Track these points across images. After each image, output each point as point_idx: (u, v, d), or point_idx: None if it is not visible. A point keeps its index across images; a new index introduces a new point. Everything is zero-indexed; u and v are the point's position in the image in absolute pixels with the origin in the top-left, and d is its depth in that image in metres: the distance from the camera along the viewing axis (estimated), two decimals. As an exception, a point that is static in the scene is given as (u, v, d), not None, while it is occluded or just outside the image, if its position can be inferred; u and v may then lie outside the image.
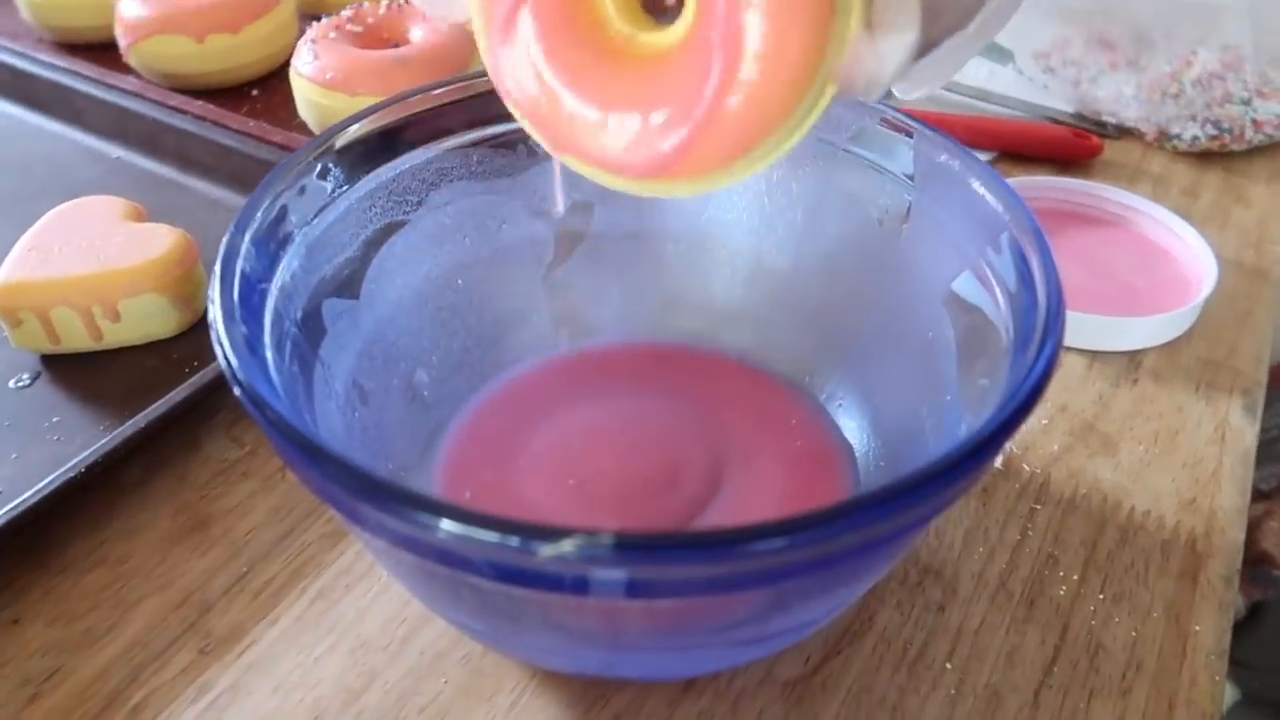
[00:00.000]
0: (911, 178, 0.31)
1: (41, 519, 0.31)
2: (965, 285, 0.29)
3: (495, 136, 0.34)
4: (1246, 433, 0.36)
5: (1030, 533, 0.32)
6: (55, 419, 0.35)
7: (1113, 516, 0.33)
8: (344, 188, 0.30)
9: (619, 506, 0.31)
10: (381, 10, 0.51)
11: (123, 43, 0.54)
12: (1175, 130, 0.51)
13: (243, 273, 0.25)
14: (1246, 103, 0.51)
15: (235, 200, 0.46)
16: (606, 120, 0.21)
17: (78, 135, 0.51)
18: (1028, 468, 0.35)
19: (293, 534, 0.32)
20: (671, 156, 0.21)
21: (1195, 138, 0.51)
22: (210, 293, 0.24)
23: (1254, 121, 0.51)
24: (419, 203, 0.33)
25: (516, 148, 0.34)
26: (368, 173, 0.31)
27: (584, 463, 0.33)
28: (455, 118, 0.33)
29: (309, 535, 0.32)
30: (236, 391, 0.22)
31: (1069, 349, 0.40)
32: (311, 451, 0.20)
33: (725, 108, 0.20)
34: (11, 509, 0.30)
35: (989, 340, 0.27)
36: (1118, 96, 0.53)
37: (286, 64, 0.56)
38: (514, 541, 0.19)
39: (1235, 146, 0.51)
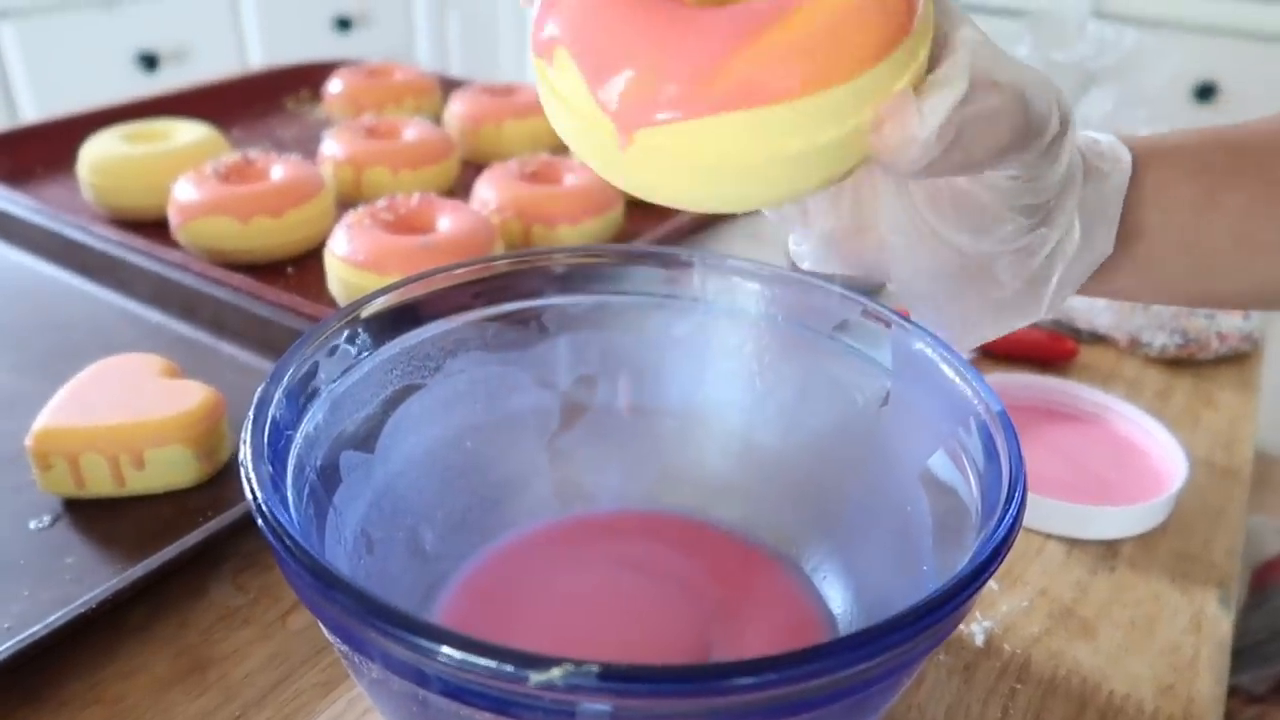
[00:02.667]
0: (890, 365, 0.34)
1: (42, 657, 0.32)
2: (939, 464, 0.31)
3: (509, 313, 0.37)
4: (1222, 623, 0.37)
5: (1011, 711, 0.33)
6: (69, 560, 0.36)
7: (1092, 699, 0.34)
8: (369, 351, 0.33)
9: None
10: (413, 202, 0.56)
11: (174, 221, 0.59)
12: (1145, 338, 0.55)
13: (273, 419, 0.28)
14: (1210, 317, 0.54)
15: (265, 365, 0.49)
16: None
17: (122, 301, 0.55)
18: (1009, 647, 0.36)
19: (287, 680, 0.33)
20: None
21: (1164, 346, 0.54)
22: (243, 433, 0.26)
23: (1219, 334, 0.54)
24: (436, 368, 0.36)
25: (528, 324, 0.38)
26: (391, 339, 0.34)
27: (576, 629, 0.34)
28: (473, 295, 0.36)
29: (303, 683, 0.33)
30: (259, 521, 0.23)
31: (1048, 536, 0.41)
32: (324, 577, 0.22)
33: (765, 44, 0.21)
34: (13, 645, 0.31)
35: (962, 517, 0.29)
36: (1090, 305, 0.57)
37: (322, 245, 0.61)
38: (508, 668, 0.20)
39: (1202, 355, 0.54)
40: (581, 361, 0.39)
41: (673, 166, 0.22)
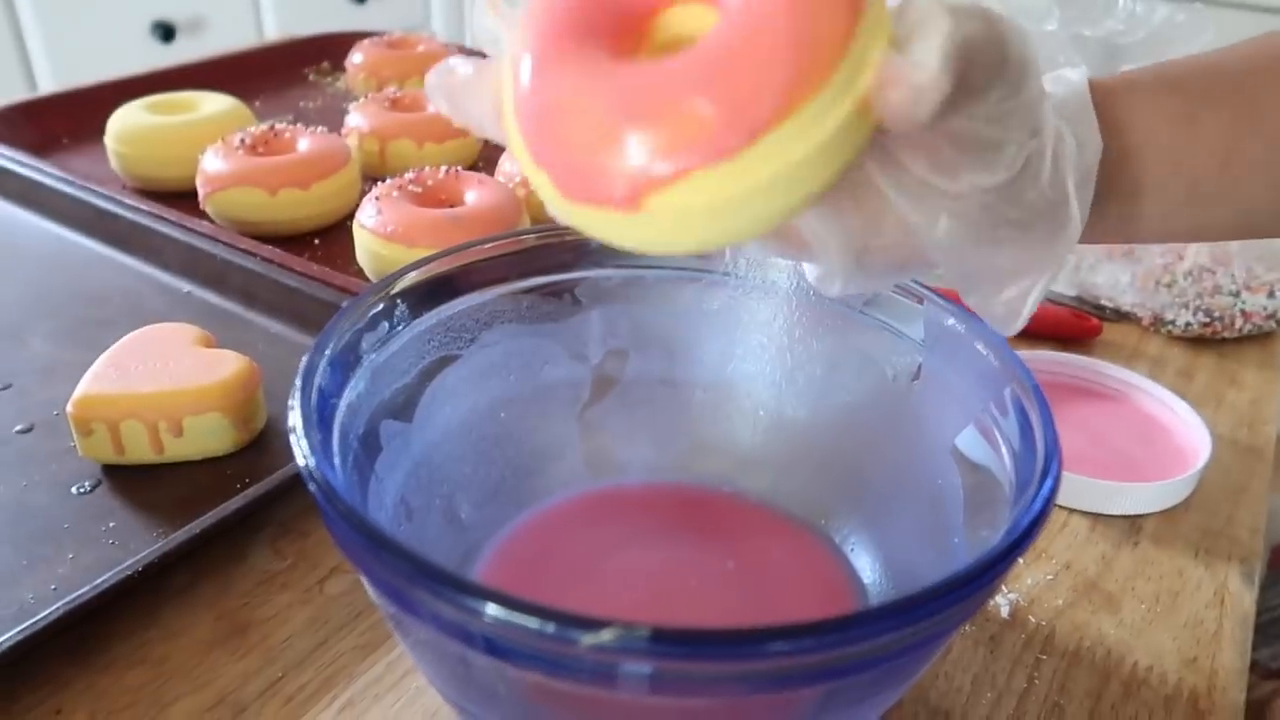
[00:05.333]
0: (922, 340, 0.34)
1: (88, 618, 0.32)
2: (972, 439, 0.32)
3: (544, 285, 0.37)
4: (1245, 598, 0.38)
5: (1037, 681, 0.34)
6: (111, 524, 0.37)
7: (1116, 670, 0.34)
8: (406, 323, 0.34)
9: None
10: (440, 175, 0.56)
11: (202, 192, 0.59)
12: (1169, 316, 0.55)
13: (319, 387, 0.28)
14: (1235, 295, 0.55)
15: (295, 336, 0.49)
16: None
17: (152, 271, 0.55)
18: (1034, 619, 0.36)
19: (327, 644, 0.33)
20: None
21: (1188, 324, 0.54)
22: (291, 400, 0.27)
23: (1243, 312, 0.54)
24: (471, 340, 0.36)
25: (562, 296, 0.38)
26: (429, 310, 0.34)
27: (609, 595, 0.35)
28: (510, 267, 0.37)
29: (342, 646, 0.33)
30: (311, 486, 0.24)
31: (1072, 511, 0.42)
32: (375, 538, 0.22)
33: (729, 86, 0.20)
34: (63, 605, 0.32)
35: (993, 492, 0.30)
36: (1114, 283, 0.57)
37: (348, 217, 0.61)
38: (559, 629, 0.21)
39: (1226, 334, 0.54)
40: (613, 334, 0.39)
41: (685, 219, 0.21)
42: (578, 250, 0.38)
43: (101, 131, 0.67)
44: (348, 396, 0.30)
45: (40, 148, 0.71)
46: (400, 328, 0.33)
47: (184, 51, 1.58)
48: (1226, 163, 0.30)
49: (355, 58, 0.82)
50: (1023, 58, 0.25)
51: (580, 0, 0.22)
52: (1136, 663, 0.34)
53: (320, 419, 0.27)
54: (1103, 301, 0.57)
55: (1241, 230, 0.33)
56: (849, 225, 0.27)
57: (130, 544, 0.36)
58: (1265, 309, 0.55)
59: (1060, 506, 0.42)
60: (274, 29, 1.70)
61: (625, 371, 0.39)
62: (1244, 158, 0.30)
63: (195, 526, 0.35)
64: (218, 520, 0.35)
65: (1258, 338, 0.55)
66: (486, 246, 0.36)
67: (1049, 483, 0.25)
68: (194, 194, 0.61)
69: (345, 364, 0.31)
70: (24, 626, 0.30)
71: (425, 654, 0.27)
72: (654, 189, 0.21)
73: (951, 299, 0.33)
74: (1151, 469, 0.43)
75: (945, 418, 0.33)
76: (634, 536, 0.37)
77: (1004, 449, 0.30)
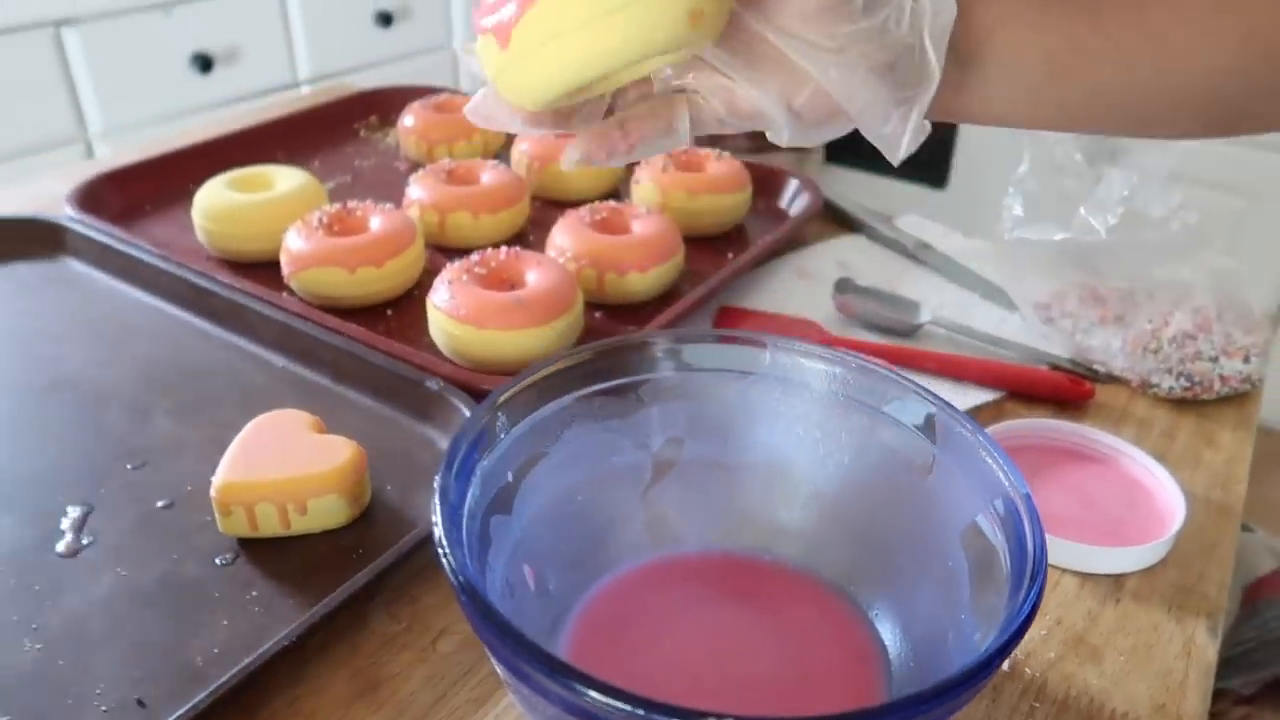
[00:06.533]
0: (935, 440, 0.41)
1: (252, 678, 0.40)
2: (976, 529, 0.38)
3: (611, 388, 0.44)
4: (1209, 650, 0.44)
5: (1031, 726, 0.40)
6: (254, 593, 0.44)
7: (1098, 716, 0.41)
8: (507, 430, 0.41)
9: (703, 691, 0.40)
10: (502, 256, 0.63)
11: (286, 270, 0.66)
12: (1155, 380, 0.61)
13: (451, 503, 0.35)
14: (1214, 360, 0.61)
15: (383, 409, 0.56)
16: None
17: (248, 345, 0.62)
18: (1029, 671, 0.43)
19: (444, 698, 0.40)
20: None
21: (1171, 387, 0.61)
22: (434, 517, 0.34)
23: (1221, 376, 0.61)
24: (555, 438, 0.43)
25: (627, 396, 0.45)
26: (524, 418, 0.41)
27: (677, 654, 0.41)
28: (585, 376, 0.43)
29: (458, 700, 0.40)
30: (462, 596, 0.31)
31: (1065, 570, 0.48)
32: (516, 640, 0.29)
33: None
34: (238, 672, 0.39)
35: (995, 576, 0.36)
36: (1106, 348, 0.63)
37: (414, 287, 0.68)
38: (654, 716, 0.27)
39: (1205, 396, 0.61)
40: (671, 426, 0.46)
41: (541, 53, 0.31)
42: (641, 358, 0.45)
43: (180, 197, 0.74)
44: (468, 503, 0.37)
45: (126, 214, 0.78)
46: (502, 435, 0.40)
47: (222, 81, 1.65)
48: (1075, 46, 0.37)
49: (406, 120, 0.89)
50: None
51: None
52: (1114, 709, 0.41)
53: (455, 530, 0.34)
54: (1096, 366, 0.63)
55: (1096, 118, 0.40)
56: (773, 88, 0.36)
57: (272, 609, 0.43)
58: (1241, 373, 0.61)
59: (1054, 566, 0.49)
60: (305, 55, 1.77)
61: (681, 456, 0.46)
62: (1089, 44, 0.37)
63: (333, 600, 0.42)
64: (351, 591, 0.42)
65: (1235, 398, 0.62)
66: (566, 359, 0.43)
67: (1034, 592, 0.32)
68: (274, 263, 0.69)
69: (465, 475, 0.37)
70: (212, 689, 0.37)
71: (535, 713, 0.34)
72: (511, 27, 0.31)
73: (968, 415, 0.40)
74: (1134, 531, 0.50)
75: (954, 508, 0.40)
76: (691, 600, 0.44)
77: (1002, 543, 0.36)
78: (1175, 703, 0.42)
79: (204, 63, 1.61)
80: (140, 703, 0.39)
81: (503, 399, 0.41)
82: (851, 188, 2.04)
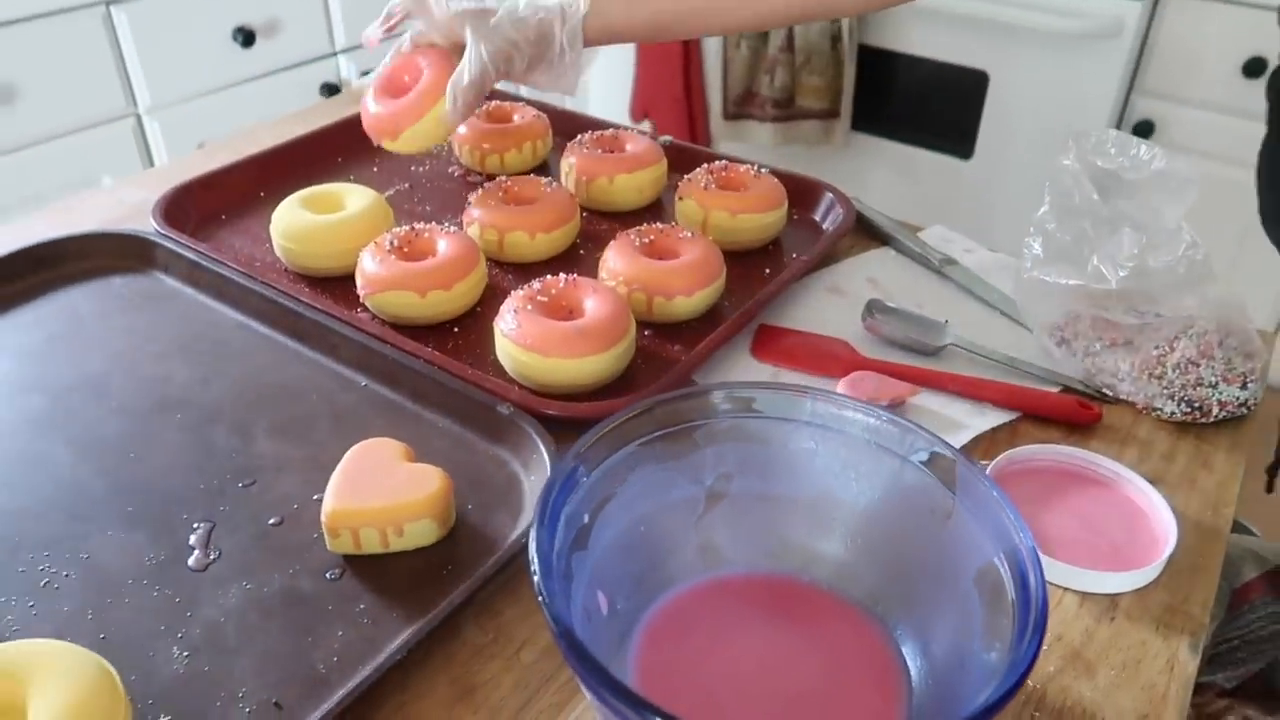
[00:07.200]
0: (954, 491, 0.47)
1: (371, 686, 0.47)
2: (988, 573, 0.45)
3: (670, 433, 0.51)
4: (1189, 665, 0.51)
5: (1030, 734, 0.47)
6: (361, 606, 0.51)
7: (1089, 725, 0.48)
8: (586, 477, 0.47)
9: (748, 698, 0.47)
10: (561, 284, 0.69)
11: (362, 291, 0.72)
12: (1158, 404, 0.67)
13: (544, 553, 0.42)
14: (1214, 386, 0.67)
15: (454, 429, 0.63)
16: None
17: (331, 364, 0.69)
18: (1031, 683, 0.50)
19: (530, 702, 0.48)
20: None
21: (1173, 413, 0.66)
22: (532, 567, 0.40)
23: (1219, 402, 0.66)
24: (623, 480, 0.49)
25: (684, 440, 0.51)
26: (597, 466, 0.48)
27: (730, 666, 0.48)
28: (650, 424, 0.50)
29: (542, 704, 0.48)
30: (562, 641, 0.38)
31: (1065, 590, 0.55)
32: (600, 676, 0.36)
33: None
34: (362, 682, 0.46)
35: (1003, 616, 0.43)
36: (1115, 370, 0.69)
37: (477, 305, 0.74)
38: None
39: (1203, 420, 0.67)
40: (722, 464, 0.52)
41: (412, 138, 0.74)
42: (698, 406, 0.51)
43: (251, 204, 0.83)
44: (558, 545, 0.44)
45: (204, 224, 0.85)
46: (581, 481, 0.47)
47: (263, 54, 1.70)
48: None
49: (460, 129, 0.94)
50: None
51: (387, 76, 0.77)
52: (1104, 719, 0.48)
53: (549, 577, 0.41)
54: (1104, 390, 0.69)
55: (681, 19, 0.75)
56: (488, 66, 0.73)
57: (379, 621, 0.51)
58: (1238, 399, 0.67)
59: (1057, 586, 0.55)
60: (341, 28, 1.81)
61: (730, 490, 0.53)
62: None
63: (435, 617, 0.49)
64: (450, 607, 0.49)
65: (1229, 423, 0.67)
66: (634, 411, 0.49)
67: (1036, 640, 0.38)
68: (347, 277, 0.75)
69: (553, 523, 0.44)
70: (341, 696, 0.45)
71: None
72: (399, 130, 0.74)
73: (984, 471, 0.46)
74: (1130, 555, 0.56)
75: (969, 552, 0.46)
76: (737, 615, 0.51)
77: (1010, 588, 0.43)
78: (1157, 713, 0.48)
79: (246, 36, 1.66)
80: (277, 705, 0.46)
81: (581, 451, 0.47)
82: (878, 157, 2.08)
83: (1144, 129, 1.76)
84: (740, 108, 2.03)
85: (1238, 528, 0.67)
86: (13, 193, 1.47)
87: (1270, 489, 0.58)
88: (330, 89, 1.82)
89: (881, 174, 2.08)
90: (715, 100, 2.04)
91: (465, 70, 0.72)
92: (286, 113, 1.11)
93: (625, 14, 0.73)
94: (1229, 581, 0.68)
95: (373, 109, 0.76)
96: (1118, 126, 1.79)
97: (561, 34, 0.73)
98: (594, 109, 2.13)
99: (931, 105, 2.01)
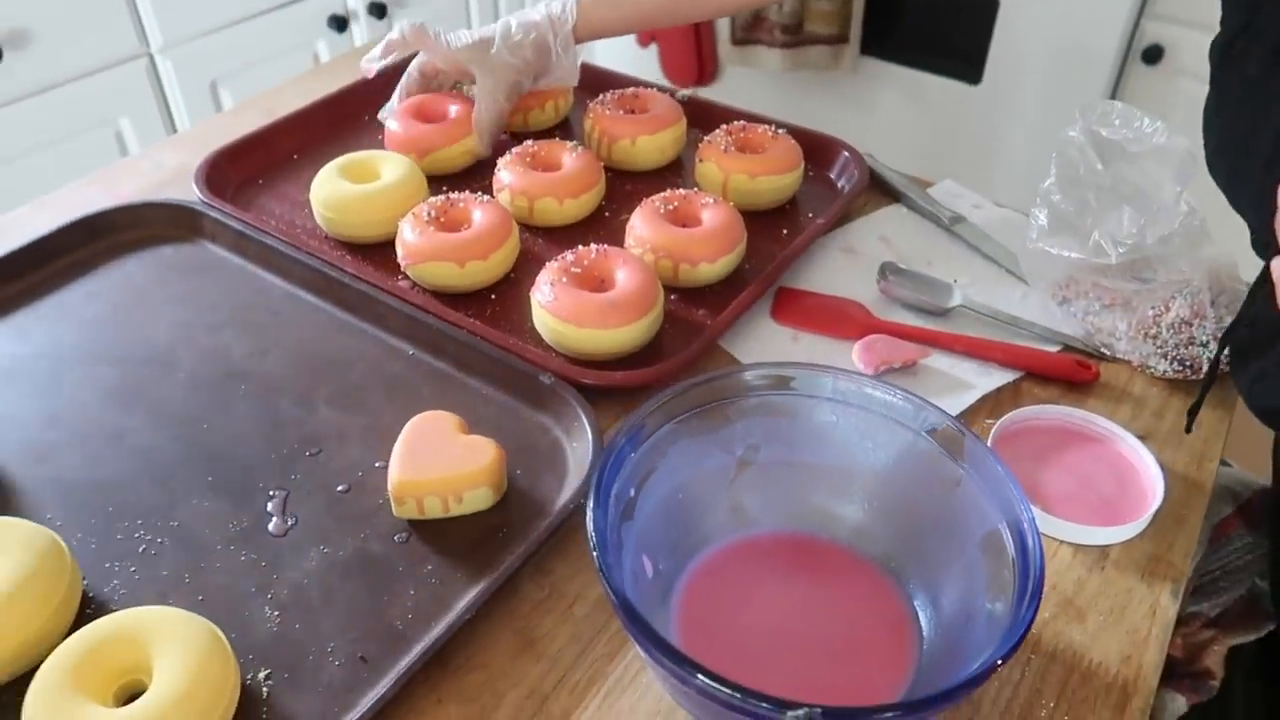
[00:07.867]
0: (963, 462, 0.52)
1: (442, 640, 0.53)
2: (992, 539, 0.50)
3: (704, 409, 0.56)
4: (1169, 610, 0.57)
5: (1027, 673, 0.54)
6: (429, 567, 0.57)
7: (1078, 665, 0.54)
8: (631, 453, 0.52)
9: (777, 648, 0.53)
10: (593, 255, 0.73)
11: (402, 261, 0.77)
12: (1152, 363, 0.72)
13: (600, 529, 0.47)
14: (1205, 345, 0.71)
15: (500, 397, 0.68)
16: None
17: (378, 333, 0.74)
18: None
19: (585, 652, 0.54)
20: None
21: (1165, 371, 0.71)
22: (589, 538, 0.46)
23: (1209, 359, 0.71)
24: (664, 454, 0.55)
25: (716, 415, 0.56)
26: (642, 443, 0.53)
27: (761, 619, 0.54)
28: (687, 402, 0.55)
29: (596, 653, 0.54)
30: (621, 612, 0.43)
31: (1061, 542, 0.61)
32: (653, 639, 0.42)
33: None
34: (441, 638, 0.52)
35: (1006, 579, 0.48)
36: (1113, 330, 0.73)
37: (511, 273, 0.79)
38: (764, 705, 0.40)
39: (1194, 378, 0.71)
40: (750, 435, 0.57)
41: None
42: (730, 385, 0.56)
43: (285, 167, 0.89)
44: (609, 520, 0.49)
45: (243, 189, 0.88)
46: (627, 459, 0.52)
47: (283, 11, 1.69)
48: None
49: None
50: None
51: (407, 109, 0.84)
52: (1091, 660, 0.54)
53: (602, 547, 0.46)
54: (1102, 349, 0.74)
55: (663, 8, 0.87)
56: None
57: (445, 581, 0.56)
58: (1227, 357, 0.71)
59: (1052, 538, 0.61)
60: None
61: (758, 458, 0.58)
62: None
63: (500, 577, 0.55)
64: (513, 568, 0.55)
65: (1220, 380, 0.72)
66: (674, 393, 0.54)
67: (1030, 611, 0.44)
68: (387, 243, 0.79)
69: (605, 499, 0.49)
70: (421, 650, 0.51)
71: (667, 684, 0.47)
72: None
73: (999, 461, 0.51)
74: (1121, 508, 0.62)
75: (975, 519, 0.51)
76: (765, 571, 0.57)
77: (1012, 554, 0.48)
78: (1139, 654, 0.55)
79: (260, -20, 1.64)
80: (363, 659, 0.52)
81: (626, 430, 0.52)
82: (887, 82, 2.07)
83: (1153, 53, 1.76)
84: (748, 33, 2.02)
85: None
86: (30, 138, 1.49)
87: (1189, 429, 0.65)
88: (339, 21, 1.82)
89: (890, 99, 2.08)
90: (723, 26, 2.03)
91: (483, 111, 0.88)
92: (293, 44, 1.13)
93: (609, 14, 0.86)
94: (1209, 520, 0.74)
95: (397, 128, 0.90)
96: (1127, 51, 1.79)
97: (556, 44, 0.86)
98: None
99: (941, 29, 2.00)
